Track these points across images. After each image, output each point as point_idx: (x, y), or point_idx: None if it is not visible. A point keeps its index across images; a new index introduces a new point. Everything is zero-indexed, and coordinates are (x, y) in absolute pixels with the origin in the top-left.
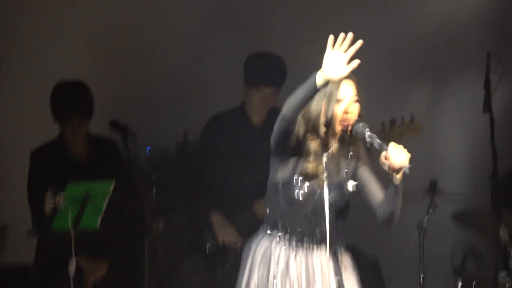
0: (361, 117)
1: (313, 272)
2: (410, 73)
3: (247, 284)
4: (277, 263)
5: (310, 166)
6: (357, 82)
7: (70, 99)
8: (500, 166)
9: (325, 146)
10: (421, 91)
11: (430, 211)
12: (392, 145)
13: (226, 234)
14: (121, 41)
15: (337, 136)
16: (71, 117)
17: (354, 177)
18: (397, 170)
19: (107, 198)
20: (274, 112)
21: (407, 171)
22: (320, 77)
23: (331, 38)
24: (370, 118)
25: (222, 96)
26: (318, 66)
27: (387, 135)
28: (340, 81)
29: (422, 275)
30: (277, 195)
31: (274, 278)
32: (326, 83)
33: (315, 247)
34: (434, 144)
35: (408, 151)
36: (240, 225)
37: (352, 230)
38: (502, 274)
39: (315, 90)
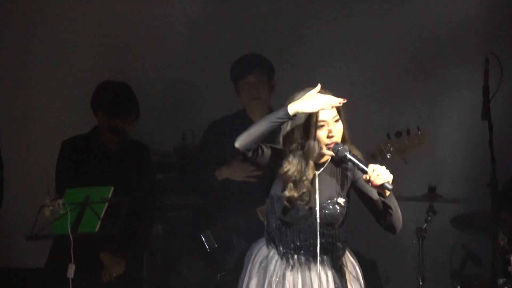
0: (347, 135)
1: (311, 284)
2: (409, 80)
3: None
4: (273, 275)
5: (288, 193)
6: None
7: (124, 97)
8: (499, 172)
9: (314, 169)
10: (421, 98)
11: (429, 216)
12: (372, 167)
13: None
14: (119, 47)
15: (326, 158)
16: (126, 115)
17: (354, 186)
18: (380, 188)
19: (106, 204)
20: None
21: (389, 187)
22: (292, 109)
23: (319, 86)
24: (372, 126)
25: (220, 100)
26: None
27: (393, 146)
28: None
29: (420, 279)
30: (272, 209)
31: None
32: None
33: (310, 261)
34: (433, 150)
35: (408, 156)
36: (243, 229)
37: (350, 234)
38: (501, 281)
39: (285, 120)
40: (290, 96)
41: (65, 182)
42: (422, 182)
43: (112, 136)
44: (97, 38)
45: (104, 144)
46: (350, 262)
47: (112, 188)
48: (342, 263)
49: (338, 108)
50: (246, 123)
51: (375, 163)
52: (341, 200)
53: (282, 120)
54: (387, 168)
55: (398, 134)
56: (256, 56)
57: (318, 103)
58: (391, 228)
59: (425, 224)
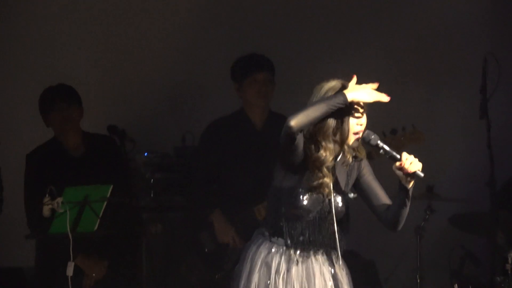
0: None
1: (314, 280)
2: (407, 80)
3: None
4: (277, 270)
5: (323, 179)
6: None
7: (53, 91)
8: (497, 171)
9: (336, 158)
10: (419, 97)
11: (427, 215)
12: (405, 154)
13: (226, 235)
14: (119, 48)
15: (349, 148)
16: (56, 104)
17: (357, 183)
18: (411, 176)
19: (105, 203)
20: (274, 115)
21: (421, 174)
22: (350, 96)
23: (355, 77)
24: (369, 124)
25: (219, 101)
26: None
27: (389, 144)
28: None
29: (419, 278)
30: (280, 203)
31: (275, 283)
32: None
33: (316, 254)
34: (431, 149)
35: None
36: (241, 228)
37: (349, 234)
38: (499, 279)
39: (342, 106)
40: (318, 86)
41: (36, 195)
42: (421, 181)
43: (73, 140)
44: (97, 39)
45: (67, 150)
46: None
47: (111, 187)
48: (335, 256)
49: (364, 104)
50: (244, 123)
51: (371, 161)
52: (351, 195)
53: (339, 106)
54: (383, 165)
55: (394, 132)
56: (261, 56)
57: (374, 95)
58: (396, 222)
59: (423, 223)
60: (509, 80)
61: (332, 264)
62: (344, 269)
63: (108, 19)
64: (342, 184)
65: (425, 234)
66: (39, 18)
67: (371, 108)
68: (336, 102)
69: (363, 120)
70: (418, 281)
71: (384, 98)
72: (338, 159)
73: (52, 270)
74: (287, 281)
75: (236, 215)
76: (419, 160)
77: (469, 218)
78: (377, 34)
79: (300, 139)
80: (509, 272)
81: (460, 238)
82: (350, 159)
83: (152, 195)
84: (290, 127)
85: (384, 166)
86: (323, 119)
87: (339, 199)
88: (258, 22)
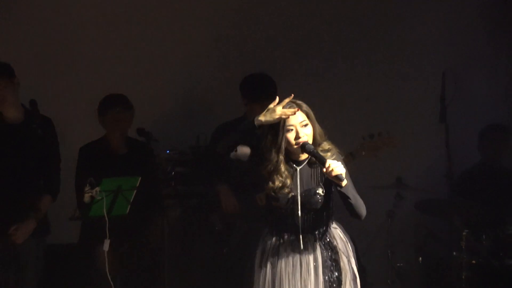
0: (320, 135)
1: (300, 258)
2: (382, 91)
3: (253, 258)
4: (269, 249)
5: (269, 185)
6: (305, 110)
7: (112, 98)
8: (454, 165)
9: (295, 164)
10: (391, 106)
11: (397, 201)
12: (328, 162)
13: (230, 205)
14: (147, 66)
15: (306, 156)
16: (112, 108)
17: (330, 180)
18: (335, 179)
19: (135, 191)
20: None
21: (342, 178)
22: (257, 121)
23: (277, 99)
24: (352, 130)
25: (228, 108)
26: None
27: (367, 146)
28: (283, 117)
29: (390, 253)
30: (267, 196)
31: (266, 262)
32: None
33: (295, 239)
34: (400, 148)
35: (379, 153)
36: (244, 212)
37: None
38: (455, 253)
39: (253, 130)
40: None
41: (83, 182)
42: (391, 174)
43: (118, 142)
44: (126, 61)
45: (113, 148)
46: (340, 239)
47: (140, 178)
48: (330, 239)
49: (308, 115)
50: None
51: (353, 160)
52: (320, 190)
53: (249, 131)
54: (362, 162)
55: (371, 136)
56: (265, 82)
57: (276, 115)
58: (355, 215)
59: (393, 208)
60: (463, 90)
61: (322, 244)
62: (342, 248)
63: (131, 32)
64: (313, 182)
65: (395, 216)
66: (66, 30)
67: (352, 116)
68: (247, 129)
69: (304, 131)
70: (389, 255)
71: (288, 112)
72: (304, 164)
73: (92, 246)
74: (275, 261)
75: (241, 203)
76: (391, 158)
77: (431, 203)
78: (359, 59)
79: (239, 158)
80: (464, 248)
81: (424, 220)
82: (283, 168)
83: (172, 185)
84: (218, 151)
85: (366, 163)
86: (265, 137)
87: (310, 195)
88: (265, 38)
